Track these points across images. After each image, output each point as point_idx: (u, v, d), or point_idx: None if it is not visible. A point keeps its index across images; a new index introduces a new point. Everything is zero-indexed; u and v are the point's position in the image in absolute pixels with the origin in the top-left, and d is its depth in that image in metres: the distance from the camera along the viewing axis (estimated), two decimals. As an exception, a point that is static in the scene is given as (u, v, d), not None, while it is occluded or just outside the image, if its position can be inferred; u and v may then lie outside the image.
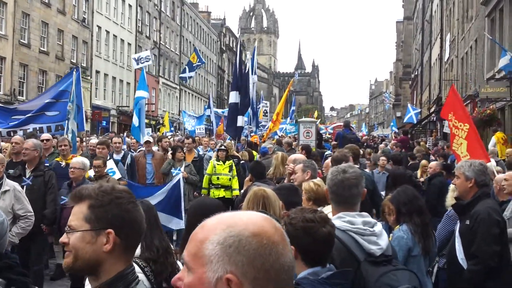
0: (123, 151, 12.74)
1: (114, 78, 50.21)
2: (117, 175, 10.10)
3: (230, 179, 12.55)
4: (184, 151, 12.86)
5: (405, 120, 36.45)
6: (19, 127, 12.10)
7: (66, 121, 11.67)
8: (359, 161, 8.73)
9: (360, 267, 3.36)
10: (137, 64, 21.00)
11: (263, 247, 1.35)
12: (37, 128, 12.07)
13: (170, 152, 12.79)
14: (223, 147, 13.12)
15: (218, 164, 12.60)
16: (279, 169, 8.52)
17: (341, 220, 3.53)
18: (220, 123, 27.79)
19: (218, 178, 12.51)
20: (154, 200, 9.19)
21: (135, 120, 15.63)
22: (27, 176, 8.34)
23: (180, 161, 12.10)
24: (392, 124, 75.77)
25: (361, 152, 14.10)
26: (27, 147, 8.55)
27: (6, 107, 14.10)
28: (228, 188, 12.51)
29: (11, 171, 8.20)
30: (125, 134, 25.25)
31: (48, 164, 9.38)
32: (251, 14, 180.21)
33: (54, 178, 8.44)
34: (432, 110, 40.97)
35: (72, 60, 42.08)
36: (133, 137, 16.61)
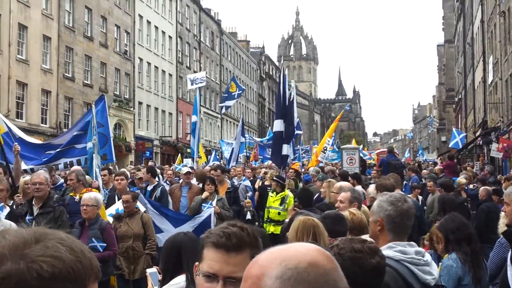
0: (155, 182, 12.13)
1: (156, 108, 50.94)
2: (141, 209, 9.36)
3: (279, 213, 11.53)
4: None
5: (450, 145, 35.83)
6: (51, 162, 11.65)
7: (86, 156, 11.11)
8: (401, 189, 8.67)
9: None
10: (192, 84, 20.43)
11: (321, 276, 1.34)
12: (68, 163, 11.65)
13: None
14: (275, 178, 12.29)
15: (271, 196, 11.87)
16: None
17: (393, 250, 3.47)
18: (255, 150, 27.62)
19: (269, 212, 11.76)
20: (186, 228, 8.86)
21: (192, 144, 16.05)
22: (35, 214, 7.78)
23: (211, 194, 10.66)
24: (420, 151, 74.62)
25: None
26: (40, 181, 7.92)
27: (40, 143, 13.54)
28: (278, 223, 11.34)
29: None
30: (150, 163, 24.42)
31: (63, 199, 8.89)
32: (289, 41, 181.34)
33: (65, 215, 7.86)
34: (478, 133, 40.20)
35: (115, 92, 42.96)
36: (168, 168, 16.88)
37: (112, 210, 9.16)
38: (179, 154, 24.41)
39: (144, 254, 8.46)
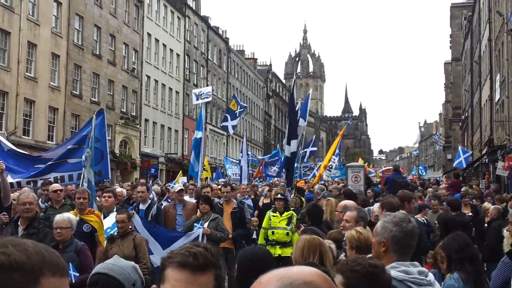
0: (149, 201, 11.61)
1: (162, 126, 51.12)
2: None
3: (288, 233, 10.84)
4: (221, 202, 11.52)
5: (454, 164, 35.75)
6: (40, 176, 11.00)
7: (83, 169, 10.31)
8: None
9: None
10: (197, 99, 19.62)
11: None
12: (58, 177, 10.99)
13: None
14: (280, 196, 11.72)
15: (274, 216, 11.07)
16: (335, 215, 8.03)
17: (396, 270, 3.47)
18: (260, 167, 27.64)
19: (273, 233, 10.94)
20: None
21: (192, 161, 15.92)
22: (20, 235, 7.27)
23: (206, 213, 10.06)
24: (413, 172, 74.14)
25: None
26: (30, 201, 7.45)
27: (29, 155, 12.80)
28: (285, 244, 10.71)
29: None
30: (150, 182, 24.19)
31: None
32: (297, 59, 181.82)
33: (50, 236, 7.23)
34: (484, 152, 40.08)
35: (122, 109, 43.17)
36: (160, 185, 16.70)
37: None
38: (180, 172, 24.07)
39: None
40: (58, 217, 7.11)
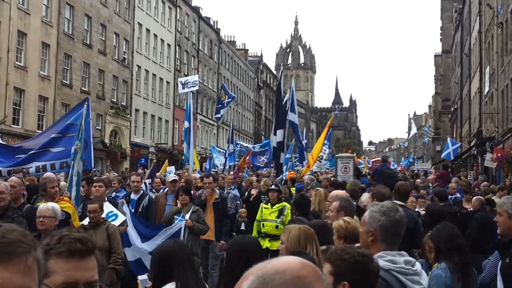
0: (141, 191, 11.45)
1: (153, 116, 51.01)
2: (120, 219, 8.78)
3: (277, 226, 10.38)
4: (204, 192, 10.94)
5: (442, 156, 35.92)
6: (21, 165, 10.73)
7: (72, 161, 10.11)
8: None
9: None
10: (183, 88, 19.20)
11: (286, 282, 1.39)
12: (40, 166, 10.72)
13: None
14: (274, 187, 11.25)
15: (265, 208, 10.73)
16: (323, 205, 8.06)
17: (382, 259, 3.49)
18: (247, 158, 27.60)
19: (263, 225, 10.56)
20: (152, 244, 8.39)
21: (186, 152, 15.77)
22: None
23: (186, 205, 9.65)
24: (409, 160, 74.60)
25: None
26: (1, 190, 7.29)
27: (10, 146, 12.60)
28: (274, 237, 10.09)
29: None
30: (139, 171, 23.62)
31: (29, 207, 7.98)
32: (288, 50, 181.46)
33: (24, 226, 6.44)
34: (472, 143, 40.31)
35: (112, 99, 43.02)
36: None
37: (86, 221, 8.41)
38: (166, 162, 23.53)
39: (107, 268, 7.56)
40: (41, 206, 6.99)
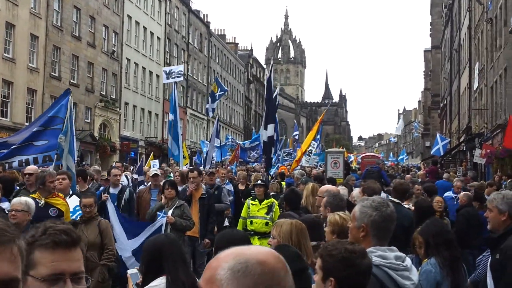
0: (121, 185, 11.23)
1: (142, 109, 50.81)
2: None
3: (267, 223, 9.75)
4: (188, 187, 10.49)
5: (432, 152, 36.09)
6: (3, 160, 10.55)
7: (56, 154, 9.96)
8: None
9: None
10: (167, 78, 18.53)
11: (266, 273, 1.51)
12: (23, 160, 10.51)
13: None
14: (260, 182, 10.81)
15: (253, 204, 10.14)
16: (309, 200, 8.01)
17: (373, 254, 3.45)
18: (236, 152, 27.49)
19: (252, 223, 9.96)
20: (137, 242, 8.29)
21: (170, 144, 15.66)
22: None
23: (171, 199, 9.21)
24: (394, 157, 74.65)
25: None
26: None
27: None
28: (264, 235, 9.57)
29: None
30: (114, 164, 23.10)
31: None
32: (278, 44, 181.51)
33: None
34: (462, 139, 40.49)
35: (101, 92, 42.81)
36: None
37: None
38: (151, 155, 23.14)
39: (99, 265, 7.44)
40: (14, 200, 6.71)
